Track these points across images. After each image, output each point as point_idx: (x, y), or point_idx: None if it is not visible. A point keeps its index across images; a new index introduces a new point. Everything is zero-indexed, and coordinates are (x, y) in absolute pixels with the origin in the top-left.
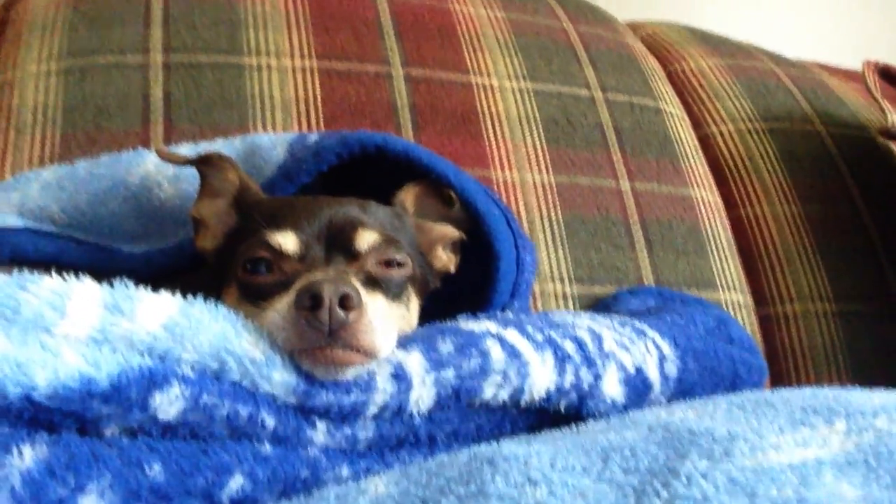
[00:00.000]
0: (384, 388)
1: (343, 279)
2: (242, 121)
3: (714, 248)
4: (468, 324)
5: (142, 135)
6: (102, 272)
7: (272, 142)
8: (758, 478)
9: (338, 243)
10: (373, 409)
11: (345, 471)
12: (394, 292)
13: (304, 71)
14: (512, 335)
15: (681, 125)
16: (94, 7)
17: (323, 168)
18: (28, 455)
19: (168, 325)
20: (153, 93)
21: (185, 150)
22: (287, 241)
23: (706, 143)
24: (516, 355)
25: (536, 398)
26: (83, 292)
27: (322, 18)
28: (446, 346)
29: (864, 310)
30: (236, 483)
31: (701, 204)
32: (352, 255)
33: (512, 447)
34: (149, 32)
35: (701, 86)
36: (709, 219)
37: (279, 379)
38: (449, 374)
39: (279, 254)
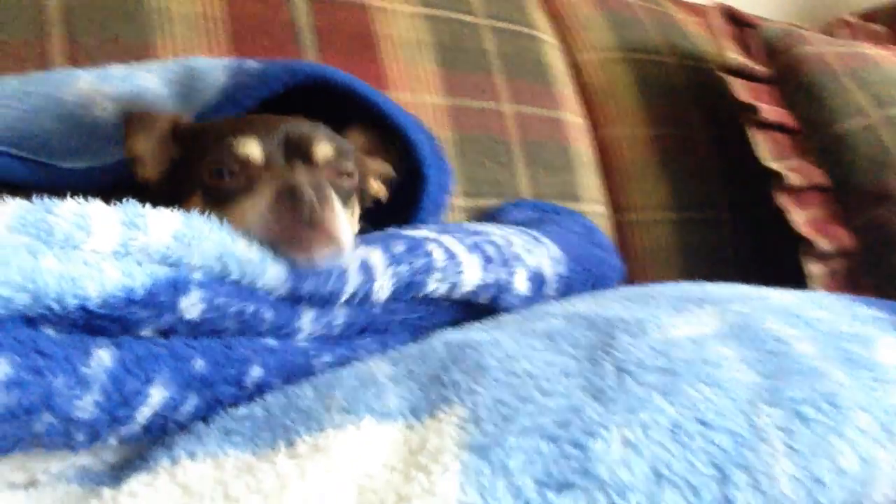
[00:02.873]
0: (354, 278)
1: (316, 180)
2: (143, 35)
3: (580, 165)
4: (411, 231)
5: (38, 47)
6: (44, 189)
7: (209, 65)
8: (668, 346)
9: (298, 152)
10: (345, 297)
11: (327, 357)
12: (343, 198)
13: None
14: (447, 240)
15: (554, 53)
16: None
17: (266, 94)
18: (105, 356)
19: (177, 236)
20: (48, 2)
21: (119, 72)
22: (252, 148)
23: (577, 69)
24: (452, 256)
25: (466, 292)
26: (102, 211)
27: (237, 21)
28: (398, 247)
29: (697, 217)
30: (256, 372)
31: (570, 126)
32: (311, 163)
33: (476, 335)
34: None
35: (571, 15)
36: (576, 139)
37: (272, 273)
38: (403, 268)
39: (245, 160)
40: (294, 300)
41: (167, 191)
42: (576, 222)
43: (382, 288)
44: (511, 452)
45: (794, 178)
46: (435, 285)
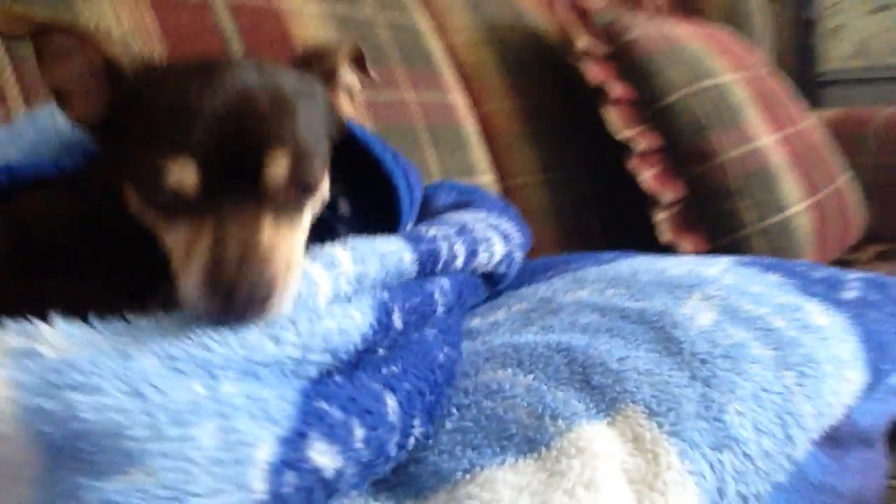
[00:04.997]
0: (443, 246)
1: (254, 256)
2: None
3: (471, 141)
4: (453, 216)
5: None
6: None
7: None
8: (709, 335)
9: (244, 176)
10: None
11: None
12: (296, 216)
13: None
14: (473, 225)
15: (433, 38)
16: None
17: None
18: (389, 399)
19: (354, 259)
20: None
21: None
22: (185, 175)
23: (451, 51)
24: (487, 239)
25: (496, 262)
26: (313, 267)
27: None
28: (454, 230)
29: (562, 178)
30: (447, 352)
31: (458, 106)
32: (260, 192)
33: (562, 337)
34: None
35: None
36: (464, 118)
37: (407, 258)
38: (465, 238)
39: (177, 191)
40: (425, 276)
41: (109, 148)
42: (494, 199)
43: (458, 256)
44: (691, 429)
45: (641, 144)
46: (483, 255)
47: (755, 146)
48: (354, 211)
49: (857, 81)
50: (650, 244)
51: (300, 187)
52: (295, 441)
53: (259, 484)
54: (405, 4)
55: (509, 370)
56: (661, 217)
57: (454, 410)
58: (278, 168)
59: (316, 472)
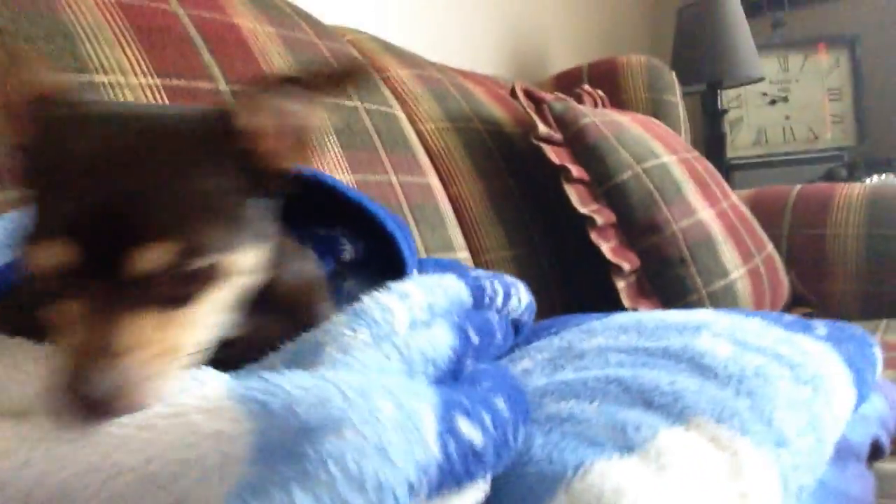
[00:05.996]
0: (498, 290)
1: (103, 355)
2: (73, 48)
3: (447, 220)
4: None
5: None
6: None
7: None
8: (736, 359)
9: (111, 259)
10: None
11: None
12: (184, 302)
13: (150, 88)
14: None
15: (407, 125)
16: None
17: None
18: (498, 399)
19: (424, 290)
20: None
21: None
22: (51, 258)
23: (421, 138)
24: (514, 284)
25: (523, 309)
26: (385, 297)
27: (141, 32)
28: (483, 273)
29: (524, 252)
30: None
31: (434, 188)
32: (129, 280)
33: (615, 371)
34: None
35: (406, 91)
36: (439, 199)
37: (467, 299)
38: (502, 284)
39: (42, 272)
40: (478, 309)
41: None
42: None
43: (499, 294)
44: (754, 431)
45: (599, 220)
46: (514, 299)
47: (698, 218)
48: (361, 258)
49: (757, 165)
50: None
51: (185, 276)
52: (445, 415)
53: (434, 445)
54: (382, 94)
55: (572, 401)
56: (621, 284)
57: (537, 433)
58: (145, 263)
59: (468, 442)
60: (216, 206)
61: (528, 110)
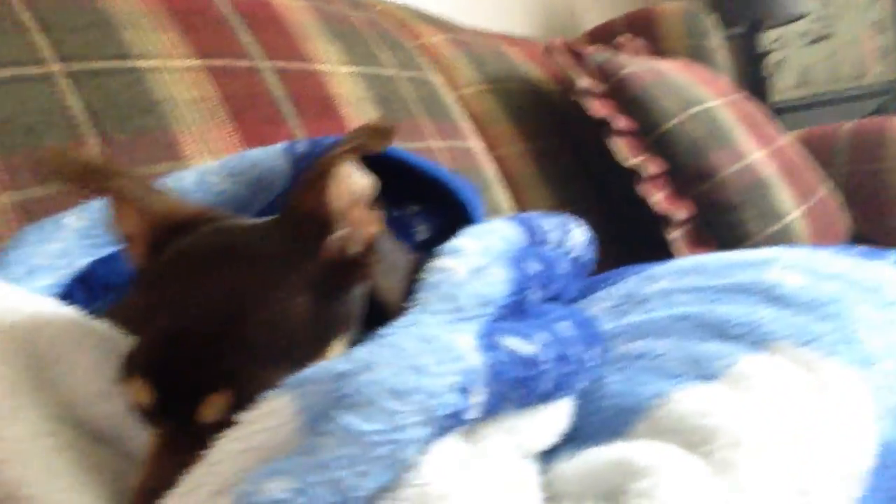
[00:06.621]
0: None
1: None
2: (164, 124)
3: (493, 183)
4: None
5: (80, 149)
6: None
7: (266, 154)
8: (812, 286)
9: (182, 408)
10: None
11: None
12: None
13: (192, 70)
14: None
15: (446, 91)
16: None
17: None
18: (563, 323)
19: (474, 237)
20: (72, 104)
21: (190, 175)
22: (137, 395)
23: (462, 103)
24: (567, 220)
25: (585, 243)
26: (461, 241)
27: (178, 16)
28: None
29: (573, 210)
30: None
31: (477, 152)
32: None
33: (688, 309)
34: (32, 39)
35: (441, 57)
36: (483, 163)
37: (521, 237)
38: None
39: (132, 405)
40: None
41: None
42: None
43: (552, 231)
44: (840, 351)
45: (647, 170)
46: (575, 231)
47: (748, 162)
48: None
49: (802, 108)
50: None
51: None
52: (485, 336)
53: (473, 356)
54: (420, 63)
55: (641, 341)
56: (675, 235)
57: (612, 371)
58: (212, 408)
59: (516, 352)
60: (289, 341)
61: (566, 64)
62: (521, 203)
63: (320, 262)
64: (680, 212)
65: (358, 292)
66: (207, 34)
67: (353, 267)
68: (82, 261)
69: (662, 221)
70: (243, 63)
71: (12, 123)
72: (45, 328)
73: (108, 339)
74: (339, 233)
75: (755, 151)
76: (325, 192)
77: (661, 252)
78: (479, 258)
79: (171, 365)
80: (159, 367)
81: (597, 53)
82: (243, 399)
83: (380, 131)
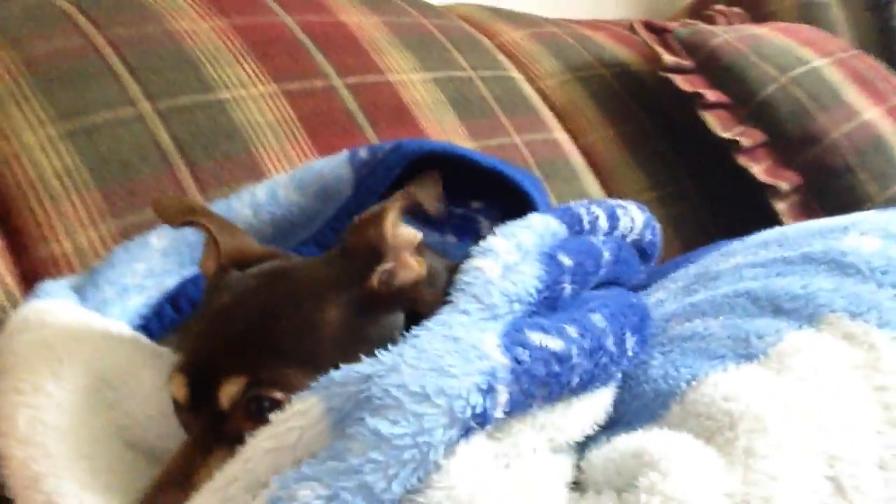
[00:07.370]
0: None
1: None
2: (246, 148)
3: (581, 171)
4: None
5: (172, 178)
6: None
7: (331, 163)
8: (883, 253)
9: (206, 397)
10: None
11: None
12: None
13: (270, 96)
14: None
15: (525, 86)
16: (53, 71)
17: (392, 179)
18: (595, 315)
19: (506, 236)
20: (162, 139)
21: (262, 189)
22: (176, 390)
23: (543, 95)
24: (621, 206)
25: (641, 227)
26: (493, 240)
27: (255, 47)
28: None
29: (666, 192)
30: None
31: (562, 142)
32: (218, 409)
33: (745, 285)
34: (123, 85)
35: (520, 52)
36: (570, 152)
37: (558, 228)
38: (602, 207)
39: (175, 403)
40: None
41: None
42: None
43: (600, 217)
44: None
45: (745, 141)
46: (625, 219)
47: (862, 120)
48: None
49: None
50: None
51: (262, 410)
52: (510, 334)
53: (498, 354)
54: (496, 60)
55: (696, 320)
56: (781, 206)
57: (656, 354)
58: (229, 391)
59: (542, 348)
60: (314, 346)
61: (650, 42)
62: (611, 189)
63: (363, 287)
64: (785, 181)
65: (399, 321)
66: (283, 60)
67: (394, 297)
68: (171, 279)
69: (768, 194)
70: (318, 83)
71: (109, 160)
72: (111, 353)
73: (168, 364)
74: (386, 265)
75: (869, 109)
76: (382, 228)
77: (777, 223)
78: (511, 256)
79: (201, 359)
80: (192, 362)
81: (681, 28)
82: (259, 387)
83: (430, 185)
